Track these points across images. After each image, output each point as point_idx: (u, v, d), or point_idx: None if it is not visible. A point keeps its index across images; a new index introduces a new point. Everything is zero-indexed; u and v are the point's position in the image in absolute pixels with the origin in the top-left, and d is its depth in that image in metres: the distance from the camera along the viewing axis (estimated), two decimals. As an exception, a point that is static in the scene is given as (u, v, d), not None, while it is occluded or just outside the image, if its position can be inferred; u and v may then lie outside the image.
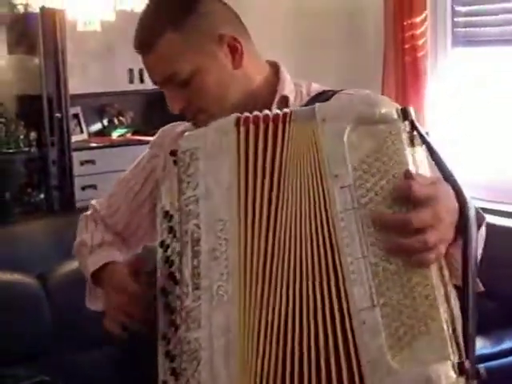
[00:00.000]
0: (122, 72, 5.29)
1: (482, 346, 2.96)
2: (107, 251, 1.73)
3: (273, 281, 1.26)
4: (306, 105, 1.56)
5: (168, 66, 1.55)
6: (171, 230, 1.40)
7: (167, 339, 1.40)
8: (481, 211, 1.34)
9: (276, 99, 1.59)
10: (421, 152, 1.25)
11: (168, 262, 1.40)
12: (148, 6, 1.63)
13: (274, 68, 1.66)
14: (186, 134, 1.45)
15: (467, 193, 1.25)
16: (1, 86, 4.73)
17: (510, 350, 3.11)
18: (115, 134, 5.70)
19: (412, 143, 1.24)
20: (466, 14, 4.31)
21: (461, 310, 1.21)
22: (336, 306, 1.21)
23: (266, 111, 1.34)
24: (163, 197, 1.43)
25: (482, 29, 4.25)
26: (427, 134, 1.27)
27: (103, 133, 5.72)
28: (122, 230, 1.81)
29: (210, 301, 1.29)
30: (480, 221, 1.32)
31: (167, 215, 1.41)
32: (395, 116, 1.24)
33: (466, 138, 4.32)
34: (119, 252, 1.76)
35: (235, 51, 1.57)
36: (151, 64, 1.59)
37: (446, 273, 1.23)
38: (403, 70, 4.28)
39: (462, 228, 1.22)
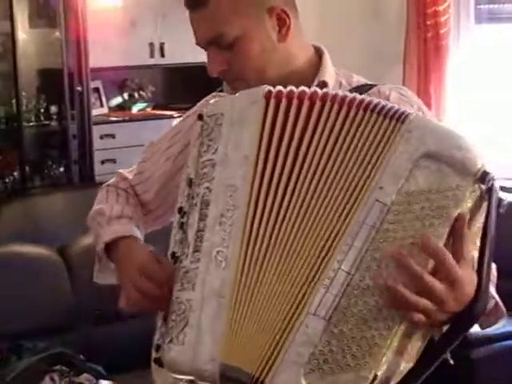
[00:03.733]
0: (142, 46, 5.28)
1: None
2: (126, 224, 1.69)
3: (274, 255, 1.27)
4: None
5: (216, 26, 1.53)
6: (189, 196, 1.40)
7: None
8: (500, 304, 1.36)
9: (315, 83, 1.58)
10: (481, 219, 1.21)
11: (182, 227, 1.40)
12: None
13: (318, 52, 1.65)
14: (215, 99, 1.44)
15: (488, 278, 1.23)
16: (22, 59, 4.73)
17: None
18: (135, 109, 5.70)
19: (477, 207, 1.20)
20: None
21: None
22: (298, 299, 1.23)
23: (303, 88, 1.33)
24: (189, 164, 1.43)
25: (506, 5, 4.22)
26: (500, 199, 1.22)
27: (123, 107, 5.72)
28: (152, 199, 1.77)
29: (207, 264, 1.30)
30: (499, 316, 1.35)
31: (190, 182, 1.41)
32: (473, 174, 1.18)
33: (487, 115, 4.30)
34: (137, 227, 1.71)
35: (283, 25, 1.56)
36: (199, 21, 1.57)
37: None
38: (425, 46, 4.25)
39: (460, 319, 1.22)
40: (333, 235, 1.23)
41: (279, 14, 1.55)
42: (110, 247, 1.65)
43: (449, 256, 1.17)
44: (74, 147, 4.96)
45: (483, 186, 1.19)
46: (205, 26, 1.56)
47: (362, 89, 1.56)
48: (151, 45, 5.31)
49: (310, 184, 1.27)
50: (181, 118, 1.80)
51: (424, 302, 1.17)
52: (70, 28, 4.81)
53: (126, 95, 5.75)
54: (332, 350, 1.19)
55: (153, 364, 1.41)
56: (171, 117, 5.29)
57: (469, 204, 1.19)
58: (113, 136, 5.20)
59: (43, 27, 4.94)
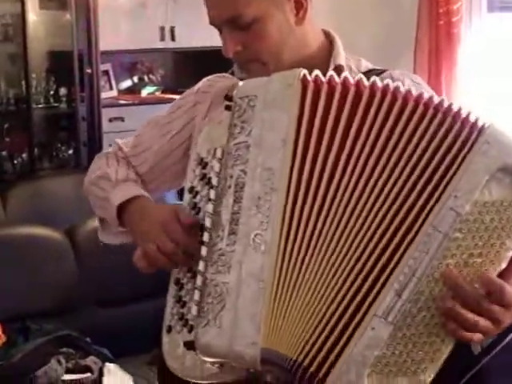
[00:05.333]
0: (153, 29, 5.27)
1: None
2: (134, 186, 1.66)
3: (315, 242, 1.25)
4: None
5: (234, 7, 1.50)
6: (204, 176, 1.38)
7: (180, 284, 1.40)
8: None
9: (331, 67, 1.56)
10: None
11: (195, 208, 1.39)
12: None
13: (329, 37, 1.64)
14: (247, 80, 1.42)
15: None
16: (32, 41, 4.72)
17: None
18: (145, 92, 5.69)
19: None
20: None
21: None
22: (360, 297, 1.22)
23: (349, 76, 1.31)
24: (200, 143, 1.41)
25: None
26: None
27: (133, 90, 5.72)
28: (145, 173, 1.73)
29: (244, 247, 1.28)
30: None
31: (201, 162, 1.39)
32: None
33: (497, 104, 4.28)
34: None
35: (300, 7, 1.54)
36: (216, 1, 1.54)
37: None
38: (437, 33, 4.23)
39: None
40: (400, 235, 1.21)
41: None
42: (123, 209, 1.61)
43: (505, 285, 1.18)
44: (83, 130, 4.97)
45: None
46: (222, 5, 1.52)
47: (372, 73, 1.54)
48: (162, 28, 5.29)
49: (353, 186, 1.25)
50: (181, 96, 1.77)
51: (483, 323, 1.19)
52: (81, 10, 4.80)
53: (135, 78, 5.75)
54: (394, 354, 1.20)
55: (167, 346, 1.40)
56: (181, 100, 5.27)
57: None
58: (122, 119, 5.20)
59: (54, 9, 4.94)
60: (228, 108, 1.37)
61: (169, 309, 1.41)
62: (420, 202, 1.22)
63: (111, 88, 5.55)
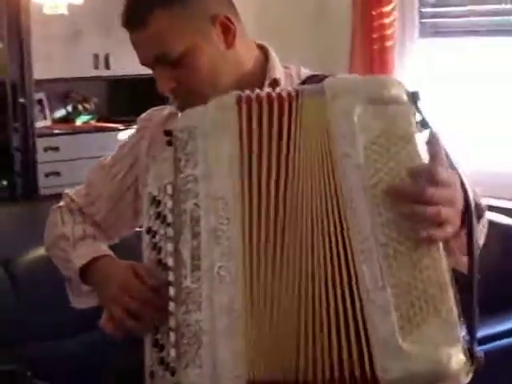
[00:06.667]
0: (87, 57, 5.24)
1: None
2: (93, 245, 1.65)
3: (279, 259, 1.25)
4: None
5: (158, 44, 1.50)
6: (159, 215, 1.37)
7: (155, 328, 1.37)
8: (481, 202, 1.35)
9: (267, 82, 1.57)
10: (422, 138, 1.26)
11: (155, 248, 1.37)
12: None
13: (263, 50, 1.64)
14: (184, 112, 1.42)
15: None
16: (-36, 70, 4.67)
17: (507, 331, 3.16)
18: (79, 121, 5.64)
19: (418, 127, 1.25)
20: (434, 5, 4.33)
21: (465, 296, 1.23)
22: (346, 285, 1.21)
23: (267, 90, 1.34)
24: (150, 182, 1.40)
25: (450, 19, 4.27)
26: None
27: (67, 119, 5.65)
28: (101, 221, 1.72)
29: (210, 282, 1.27)
30: (480, 212, 1.33)
31: (154, 201, 1.38)
32: (405, 98, 1.25)
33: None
34: (104, 245, 1.68)
35: (228, 31, 1.54)
36: (140, 42, 1.53)
37: (450, 260, 1.24)
38: (371, 59, 4.28)
39: (465, 217, 1.23)
40: (336, 215, 1.23)
41: (223, 22, 1.53)
42: (85, 271, 1.61)
43: (437, 166, 1.20)
44: (17, 160, 4.90)
45: (417, 104, 1.25)
46: (147, 46, 1.52)
47: (312, 80, 1.57)
48: (96, 56, 5.26)
49: (295, 179, 1.27)
50: (125, 137, 1.75)
51: (440, 208, 1.18)
52: (13, 39, 4.75)
53: (69, 107, 5.69)
54: (408, 308, 1.18)
55: None
56: (116, 129, 5.25)
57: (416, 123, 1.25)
58: (57, 149, 5.14)
59: (-15, 38, 4.87)
60: (169, 143, 1.36)
61: (147, 354, 1.38)
62: (332, 179, 1.24)
63: (45, 117, 5.48)
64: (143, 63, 1.55)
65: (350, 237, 1.22)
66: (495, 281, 3.13)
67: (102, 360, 1.36)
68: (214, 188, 1.29)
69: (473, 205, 1.24)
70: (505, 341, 3.13)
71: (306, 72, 1.65)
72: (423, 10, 4.36)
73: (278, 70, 1.60)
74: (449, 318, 1.18)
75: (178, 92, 1.55)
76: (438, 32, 4.32)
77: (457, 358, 1.17)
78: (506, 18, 4.02)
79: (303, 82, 1.59)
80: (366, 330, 1.19)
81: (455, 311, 1.19)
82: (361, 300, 1.20)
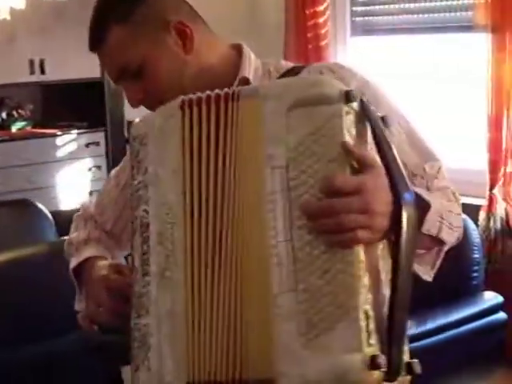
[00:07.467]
0: (22, 63, 5.19)
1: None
2: (92, 247, 1.68)
3: (218, 262, 1.27)
4: None
5: (117, 59, 1.52)
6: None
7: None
8: (427, 199, 1.36)
9: (236, 82, 1.57)
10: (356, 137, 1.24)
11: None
12: (97, 0, 1.58)
13: (237, 49, 1.64)
14: (136, 120, 1.44)
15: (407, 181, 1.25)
16: None
17: (433, 330, 3.20)
18: (14, 128, 5.59)
19: (360, 125, 1.24)
20: (364, 4, 4.39)
21: (389, 302, 1.21)
22: (256, 290, 1.22)
23: (208, 92, 1.34)
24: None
25: (380, 18, 4.33)
26: (383, 117, 1.26)
27: (2, 126, 5.59)
28: (112, 228, 1.74)
29: (157, 286, 1.29)
30: (425, 210, 1.34)
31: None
32: (337, 98, 1.22)
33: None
34: (107, 249, 1.70)
35: (185, 36, 1.54)
36: (103, 59, 1.56)
37: (381, 262, 1.23)
38: (305, 59, 4.32)
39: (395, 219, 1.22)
40: (256, 218, 1.23)
41: (177, 28, 1.53)
42: (78, 274, 1.65)
43: (338, 176, 1.19)
44: (-48, 169, 4.83)
45: (353, 104, 1.22)
46: (109, 62, 1.55)
47: (291, 73, 1.57)
48: (31, 61, 5.22)
49: (230, 184, 1.28)
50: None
51: (352, 216, 1.18)
52: None
53: (4, 114, 5.63)
54: (315, 313, 1.17)
55: None
56: (54, 135, 5.20)
57: (351, 124, 1.22)
58: (-8, 156, 5.09)
59: None
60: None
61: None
62: (259, 181, 1.24)
63: (-21, 125, 5.43)
64: (112, 80, 1.58)
65: (265, 241, 1.22)
66: (441, 274, 3.22)
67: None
68: (160, 194, 1.32)
69: (408, 204, 1.22)
70: (450, 332, 3.20)
71: (285, 65, 1.64)
72: (354, 8, 4.42)
73: (249, 68, 1.60)
74: (354, 325, 1.15)
75: (147, 102, 1.56)
76: (369, 30, 4.39)
77: (353, 368, 1.14)
78: (436, 15, 4.10)
79: (281, 76, 1.58)
80: (270, 335, 1.19)
81: (363, 318, 1.15)
82: (267, 304, 1.20)
